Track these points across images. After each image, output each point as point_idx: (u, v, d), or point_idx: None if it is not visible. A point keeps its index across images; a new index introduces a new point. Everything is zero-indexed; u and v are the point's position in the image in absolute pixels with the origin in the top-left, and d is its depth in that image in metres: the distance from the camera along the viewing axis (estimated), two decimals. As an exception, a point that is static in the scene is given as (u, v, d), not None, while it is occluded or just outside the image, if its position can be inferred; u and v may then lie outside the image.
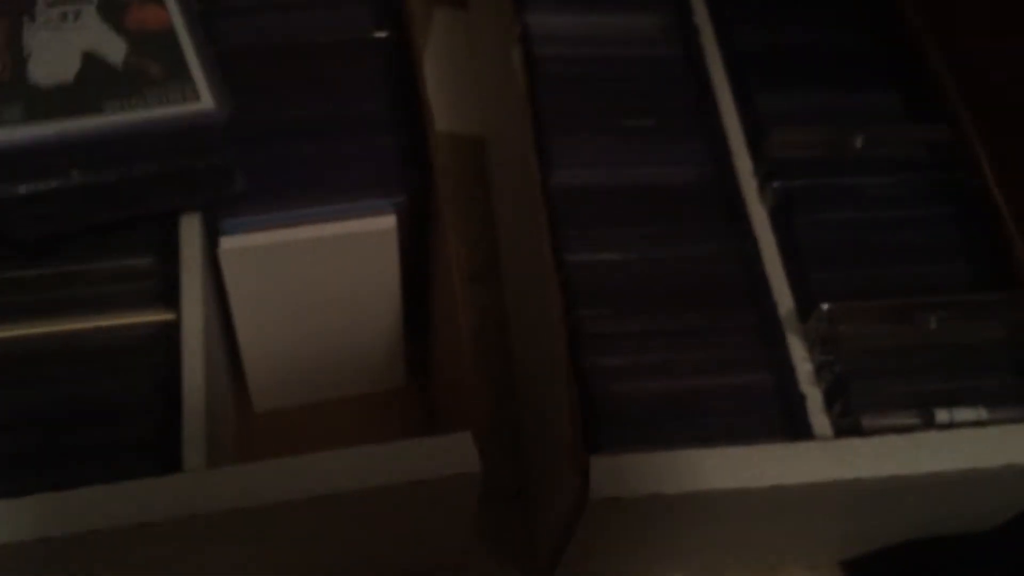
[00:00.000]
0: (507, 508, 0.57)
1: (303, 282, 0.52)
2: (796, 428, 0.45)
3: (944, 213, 0.53)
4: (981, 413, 0.45)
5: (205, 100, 0.46)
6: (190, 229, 0.48)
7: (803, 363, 0.47)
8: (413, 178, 0.51)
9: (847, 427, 0.45)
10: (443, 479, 0.40)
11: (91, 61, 0.46)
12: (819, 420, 0.45)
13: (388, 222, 0.50)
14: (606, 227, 0.51)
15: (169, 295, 0.45)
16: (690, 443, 0.43)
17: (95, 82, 0.45)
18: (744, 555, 0.53)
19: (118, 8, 0.48)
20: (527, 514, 0.57)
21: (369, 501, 0.41)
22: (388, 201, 0.50)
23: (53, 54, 0.45)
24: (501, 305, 0.65)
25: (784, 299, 0.48)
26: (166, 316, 0.45)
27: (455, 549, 0.52)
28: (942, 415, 0.45)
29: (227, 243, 0.48)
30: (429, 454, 0.40)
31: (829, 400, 0.46)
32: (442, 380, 0.55)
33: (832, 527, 0.51)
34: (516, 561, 0.55)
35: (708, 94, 0.55)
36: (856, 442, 0.43)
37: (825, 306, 0.46)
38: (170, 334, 0.44)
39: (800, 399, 0.46)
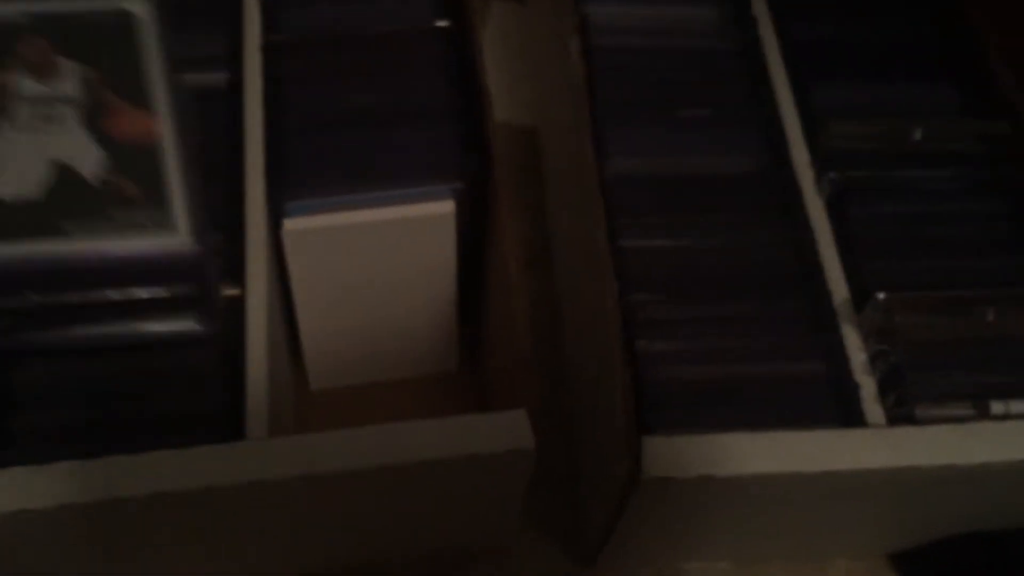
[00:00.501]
0: (554, 493, 0.58)
1: (362, 264, 0.53)
2: (849, 417, 0.45)
3: (1001, 208, 0.52)
4: (1037, 406, 0.44)
5: (180, 232, 0.42)
6: (255, 210, 0.49)
7: (857, 352, 0.47)
8: (471, 165, 0.52)
9: (901, 417, 0.45)
10: (497, 455, 0.41)
11: (64, 174, 0.42)
12: (872, 410, 0.45)
13: (446, 207, 0.51)
14: (660, 215, 0.51)
15: (235, 272, 0.47)
16: (741, 429, 0.43)
17: (64, 198, 0.41)
18: (790, 544, 0.54)
19: (104, 113, 0.44)
20: (574, 499, 0.58)
21: (423, 474, 0.42)
22: (446, 187, 0.51)
23: (23, 163, 0.42)
24: (552, 292, 0.65)
25: (839, 289, 0.49)
26: (232, 292, 0.46)
27: (504, 530, 0.53)
28: (997, 407, 0.44)
29: (290, 224, 0.50)
30: (484, 429, 0.41)
31: (883, 390, 0.46)
32: (494, 365, 0.56)
33: (881, 518, 0.51)
34: (562, 545, 0.56)
35: (765, 85, 0.55)
36: (910, 430, 0.43)
37: (881, 295, 0.46)
38: (236, 308, 0.46)
39: (854, 388, 0.46)
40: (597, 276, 0.49)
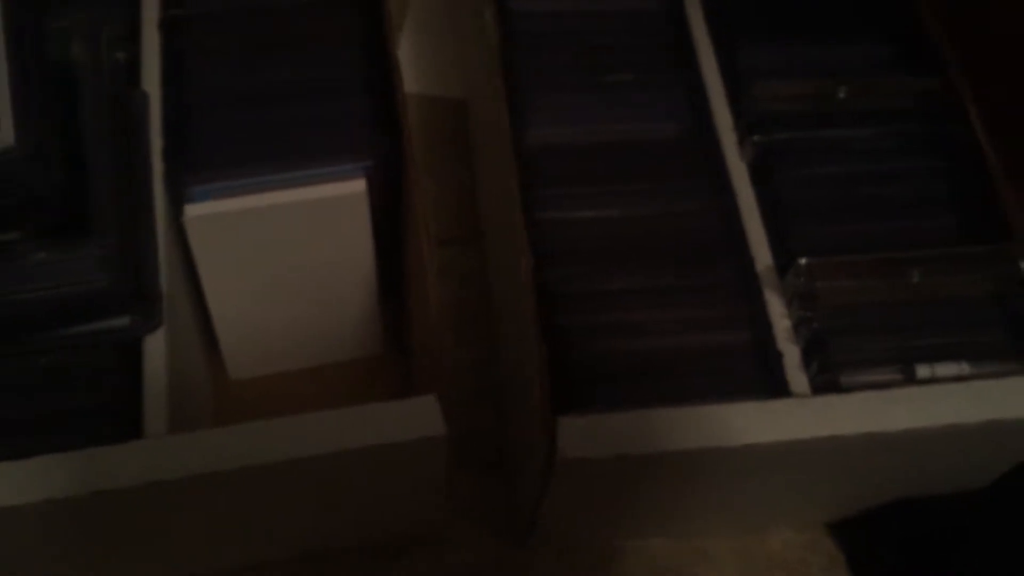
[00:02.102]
0: (488, 476, 0.56)
1: (273, 249, 0.51)
2: (774, 386, 0.44)
3: (931, 166, 0.51)
4: (963, 368, 0.43)
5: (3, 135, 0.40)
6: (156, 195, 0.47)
7: (781, 320, 0.46)
8: (383, 141, 0.50)
9: (825, 385, 0.44)
10: (408, 443, 0.39)
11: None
12: (797, 378, 0.44)
13: (357, 186, 0.49)
14: (581, 185, 0.49)
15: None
16: (666, 403, 0.42)
17: None
18: (728, 517, 0.53)
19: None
20: (508, 482, 0.56)
21: (333, 466, 0.40)
22: (357, 165, 0.49)
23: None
24: (483, 270, 0.64)
25: (762, 255, 0.47)
26: (127, 283, 0.44)
27: (428, 516, 0.51)
28: (923, 371, 0.43)
29: (192, 210, 0.48)
30: (394, 417, 0.40)
31: (807, 357, 0.45)
32: (418, 347, 0.54)
33: (816, 487, 0.50)
34: (496, 530, 0.55)
35: (689, 47, 0.53)
36: (833, 399, 0.42)
37: (803, 261, 0.45)
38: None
39: (777, 357, 0.44)
40: (515, 250, 0.47)
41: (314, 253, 0.51)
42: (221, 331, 0.54)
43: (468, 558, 0.54)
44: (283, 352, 0.57)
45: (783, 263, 0.47)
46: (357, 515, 0.49)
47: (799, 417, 0.41)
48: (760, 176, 0.49)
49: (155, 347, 0.43)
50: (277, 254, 0.51)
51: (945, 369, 0.43)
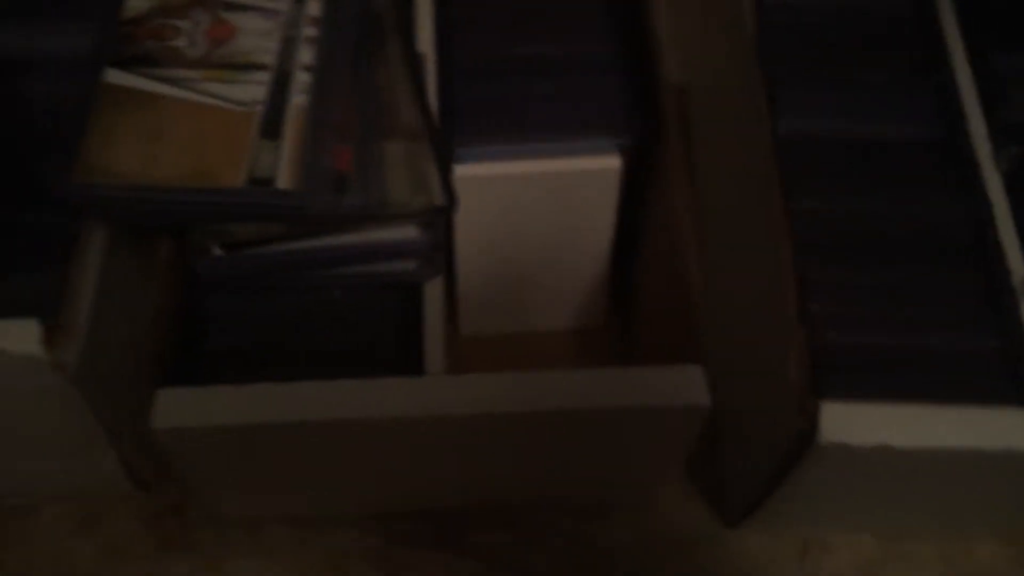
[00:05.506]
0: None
1: (523, 214, 0.53)
2: (1021, 398, 0.44)
3: None
4: None
5: None
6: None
7: (1035, 333, 0.46)
8: (639, 120, 0.52)
9: (1080, 403, 0.44)
10: (673, 409, 0.41)
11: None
12: (1050, 395, 0.44)
13: (613, 162, 0.51)
14: (831, 178, 0.50)
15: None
16: (909, 399, 0.43)
17: None
18: (939, 521, 0.53)
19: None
20: (712, 456, 0.57)
21: (595, 421, 0.43)
22: (614, 141, 0.51)
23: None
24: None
25: (1018, 268, 0.47)
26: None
27: (658, 482, 0.53)
28: None
29: (461, 171, 0.50)
30: (661, 382, 0.41)
31: (1061, 373, 0.44)
32: (648, 325, 0.56)
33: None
34: (702, 502, 0.56)
35: (941, 49, 0.53)
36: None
37: (1067, 276, 0.45)
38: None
39: (1032, 369, 0.45)
40: (769, 237, 0.48)
41: (561, 222, 0.54)
42: (463, 287, 0.57)
43: (674, 527, 0.55)
44: (513, 313, 0.60)
45: (1039, 277, 0.47)
46: (586, 469, 0.51)
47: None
48: (1015, 188, 0.49)
49: (434, 292, 0.45)
50: (527, 219, 0.53)
51: None
